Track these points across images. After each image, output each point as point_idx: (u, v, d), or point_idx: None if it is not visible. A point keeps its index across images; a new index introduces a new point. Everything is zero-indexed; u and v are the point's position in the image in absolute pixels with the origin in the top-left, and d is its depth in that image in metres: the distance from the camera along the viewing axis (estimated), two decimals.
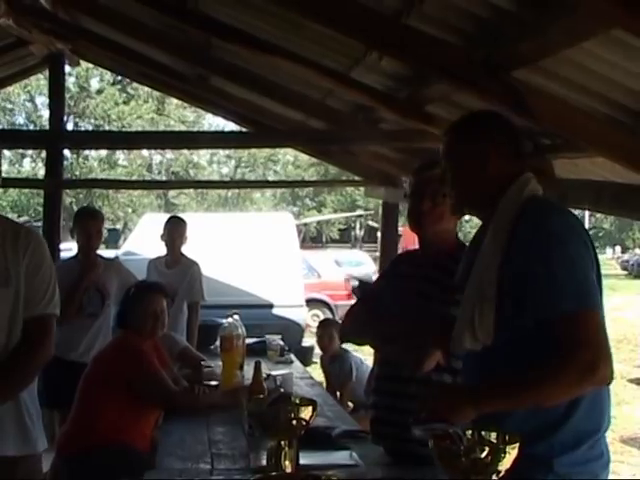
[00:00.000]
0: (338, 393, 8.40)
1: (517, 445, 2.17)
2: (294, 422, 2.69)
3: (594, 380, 2.66)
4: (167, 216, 8.78)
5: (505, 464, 2.14)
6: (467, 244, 3.52)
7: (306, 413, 2.70)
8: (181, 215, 9.24)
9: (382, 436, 3.90)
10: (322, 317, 18.60)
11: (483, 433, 2.27)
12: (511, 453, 2.16)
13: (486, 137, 2.98)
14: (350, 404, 8.46)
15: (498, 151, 2.94)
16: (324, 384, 8.55)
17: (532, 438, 2.64)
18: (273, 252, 14.22)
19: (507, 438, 2.22)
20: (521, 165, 2.99)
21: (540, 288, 2.68)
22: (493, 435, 2.25)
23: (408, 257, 4.18)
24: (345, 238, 46.44)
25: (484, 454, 2.14)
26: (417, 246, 3.98)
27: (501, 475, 2.15)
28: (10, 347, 3.44)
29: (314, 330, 17.10)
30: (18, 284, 3.45)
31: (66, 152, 24.85)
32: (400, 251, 12.12)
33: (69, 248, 9.15)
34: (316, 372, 9.21)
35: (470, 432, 2.27)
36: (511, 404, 2.75)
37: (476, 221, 3.40)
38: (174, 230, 8.02)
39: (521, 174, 2.95)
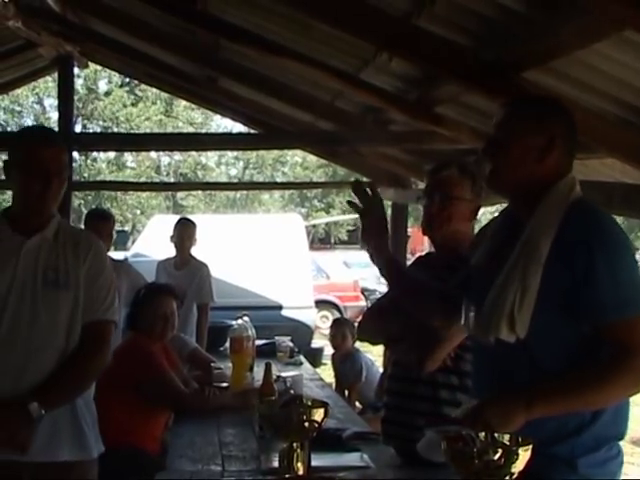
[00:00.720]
0: (346, 392, 8.40)
1: (530, 447, 2.16)
2: (306, 424, 2.68)
3: None
4: (176, 218, 8.79)
5: (518, 466, 2.13)
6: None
7: (318, 415, 2.70)
8: (190, 217, 9.25)
9: (391, 436, 3.90)
10: (331, 318, 18.59)
11: (496, 435, 2.26)
12: (524, 455, 2.15)
13: (556, 125, 2.83)
14: (358, 404, 8.45)
15: (561, 143, 2.81)
16: (333, 383, 8.55)
17: (553, 440, 2.65)
18: (282, 253, 14.20)
19: (520, 440, 2.21)
20: (571, 164, 2.89)
21: (602, 292, 2.64)
22: (506, 437, 2.24)
23: (425, 259, 4.16)
24: (354, 239, 46.28)
25: (497, 456, 2.13)
26: (426, 247, 4.00)
27: (514, 477, 2.14)
28: (69, 351, 3.45)
29: (323, 331, 17.16)
30: (77, 288, 3.46)
31: (75, 154, 24.86)
32: (409, 252, 12.12)
33: None
34: (325, 373, 9.20)
35: (483, 434, 2.26)
36: (564, 407, 2.70)
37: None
38: (184, 232, 8.03)
39: (568, 173, 2.85)
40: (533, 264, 2.74)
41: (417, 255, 4.63)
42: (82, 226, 6.88)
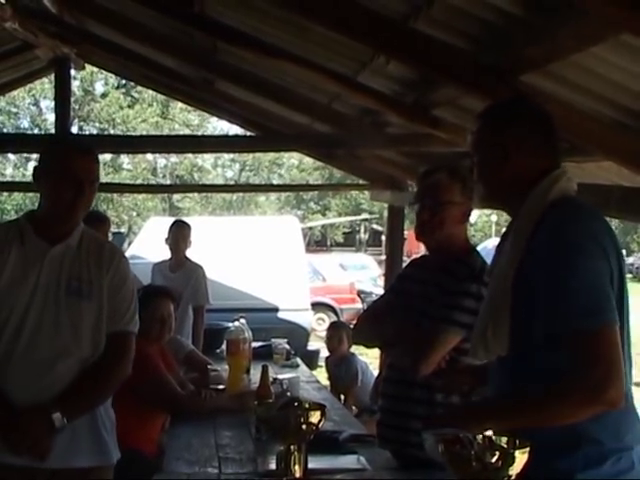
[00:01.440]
0: (342, 396, 8.39)
1: (527, 450, 2.16)
2: (303, 426, 2.69)
3: (602, 402, 2.49)
4: (172, 220, 8.79)
5: (515, 469, 2.14)
6: (477, 247, 3.51)
7: (315, 417, 2.70)
8: (186, 219, 9.24)
9: (387, 439, 3.91)
10: (327, 321, 18.61)
11: (493, 438, 2.26)
12: (521, 457, 2.15)
13: (510, 126, 2.79)
14: (354, 408, 8.45)
15: (524, 142, 2.76)
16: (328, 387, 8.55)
17: (553, 453, 2.57)
18: (278, 256, 14.21)
19: (517, 443, 2.22)
20: (554, 159, 2.80)
21: (551, 302, 2.54)
22: (503, 440, 2.24)
23: (421, 261, 4.17)
24: (350, 242, 46.44)
25: (494, 459, 2.14)
26: (422, 249, 4.03)
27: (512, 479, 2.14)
28: (91, 361, 3.48)
29: (319, 334, 17.16)
30: (101, 298, 3.48)
31: None
32: (405, 255, 12.11)
33: None
34: (322, 376, 9.19)
35: (480, 437, 2.27)
36: (513, 424, 2.55)
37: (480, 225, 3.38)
38: (178, 234, 8.03)
39: (554, 169, 2.77)
40: (504, 280, 2.72)
41: (412, 257, 4.65)
42: None
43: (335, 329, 9.04)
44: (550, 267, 2.56)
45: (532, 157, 2.78)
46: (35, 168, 3.54)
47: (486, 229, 42.76)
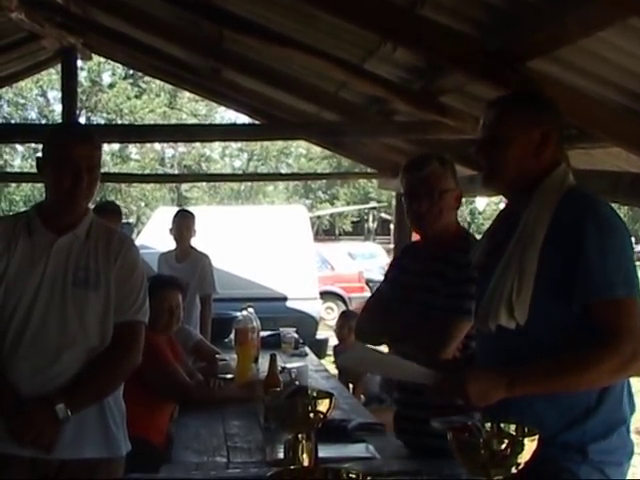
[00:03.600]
0: (351, 385, 8.39)
1: (536, 437, 2.15)
2: (312, 415, 2.68)
3: (633, 369, 2.69)
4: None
5: (524, 456, 2.13)
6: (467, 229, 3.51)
7: (323, 406, 2.69)
8: (194, 208, 9.24)
9: (404, 431, 3.90)
10: (336, 310, 18.63)
11: (502, 425, 2.26)
12: (530, 445, 2.14)
13: (548, 120, 2.93)
14: (362, 397, 8.44)
15: (554, 137, 2.90)
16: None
17: (562, 425, 2.68)
18: (287, 245, 14.21)
19: (526, 430, 2.21)
20: (562, 154, 2.98)
21: (592, 273, 2.67)
22: (512, 427, 2.24)
23: (412, 251, 4.16)
24: (358, 230, 46.41)
25: (503, 446, 2.13)
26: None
27: (520, 467, 2.13)
28: (99, 351, 3.47)
29: (328, 323, 17.16)
30: (108, 288, 3.48)
31: None
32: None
33: None
34: (330, 365, 9.19)
35: (489, 424, 2.26)
36: (546, 388, 2.74)
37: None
38: (182, 223, 8.04)
39: (561, 163, 2.93)
40: (529, 250, 2.79)
41: (404, 246, 4.62)
42: None
43: (345, 318, 9.02)
44: (590, 242, 2.69)
45: (557, 148, 2.93)
46: (38, 159, 3.54)
47: (494, 217, 42.55)
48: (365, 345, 3.13)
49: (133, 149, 40.76)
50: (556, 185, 2.85)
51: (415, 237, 4.61)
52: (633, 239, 2.95)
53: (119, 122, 36.24)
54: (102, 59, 27.01)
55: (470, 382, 2.75)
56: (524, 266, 2.78)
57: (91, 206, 3.90)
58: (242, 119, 17.08)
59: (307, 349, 7.15)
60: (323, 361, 8.96)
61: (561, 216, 2.77)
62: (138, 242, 14.99)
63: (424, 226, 3.80)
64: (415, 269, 3.89)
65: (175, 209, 9.03)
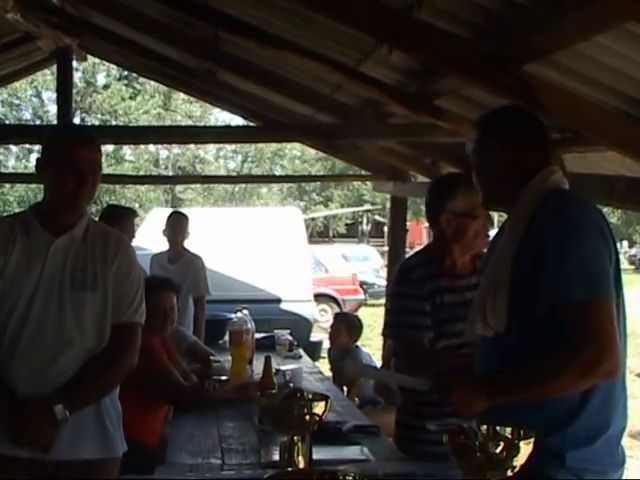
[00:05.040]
0: (345, 388, 8.38)
1: (532, 440, 2.16)
2: (307, 417, 2.68)
3: (598, 373, 2.66)
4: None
5: (520, 459, 2.14)
6: None
7: (319, 408, 2.70)
8: (188, 210, 9.24)
9: (406, 439, 3.91)
10: (330, 312, 18.64)
11: (498, 428, 2.26)
12: (526, 448, 2.15)
13: (523, 134, 2.98)
14: (357, 399, 8.43)
15: (510, 141, 2.95)
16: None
17: (544, 430, 2.64)
18: (281, 247, 14.20)
19: (522, 433, 2.21)
20: (546, 158, 2.97)
21: (553, 273, 2.68)
22: (508, 430, 2.25)
23: (429, 267, 3.96)
24: (352, 233, 46.43)
25: (499, 449, 2.13)
26: (424, 241, 4.01)
27: (516, 470, 2.14)
28: (96, 351, 3.47)
29: (322, 325, 17.16)
30: (106, 289, 3.48)
31: None
32: (407, 246, 12.06)
33: None
34: (325, 367, 9.18)
35: (485, 427, 2.27)
36: (524, 396, 2.76)
37: None
38: (176, 225, 8.04)
39: (545, 167, 2.94)
40: (504, 257, 2.85)
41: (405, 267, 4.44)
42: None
43: (339, 320, 9.02)
44: (552, 242, 2.70)
45: (520, 154, 2.94)
46: (38, 160, 3.53)
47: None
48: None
49: (127, 150, 40.70)
50: (535, 189, 2.87)
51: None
52: (626, 243, 2.97)
53: (113, 123, 36.26)
54: (97, 60, 26.97)
55: (454, 392, 2.82)
56: (497, 275, 2.83)
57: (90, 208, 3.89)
58: (237, 121, 17.08)
59: (301, 351, 7.15)
60: (317, 363, 8.96)
61: (535, 220, 2.79)
62: (133, 243, 15.05)
63: (468, 245, 3.87)
64: (453, 286, 3.88)
65: (169, 211, 9.03)
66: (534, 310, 2.73)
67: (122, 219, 6.78)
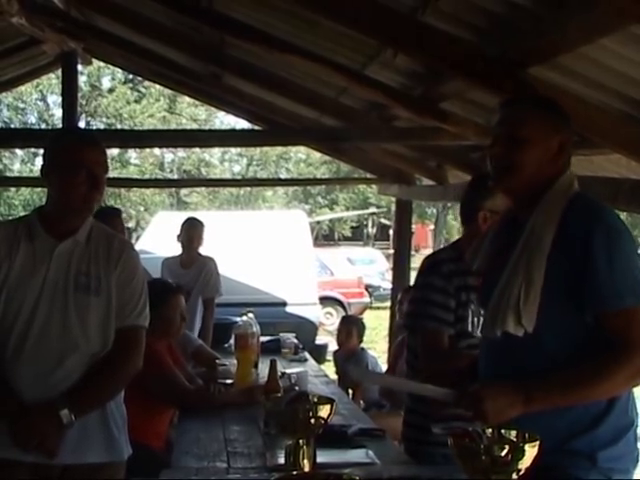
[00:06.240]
0: (350, 391, 8.38)
1: (537, 443, 2.15)
2: (312, 420, 2.68)
3: None
4: (179, 214, 8.81)
5: (525, 462, 2.13)
6: None
7: (324, 411, 2.69)
8: (193, 213, 9.23)
9: (414, 440, 3.90)
10: (335, 315, 18.63)
11: (503, 431, 2.25)
12: (531, 451, 2.14)
13: (567, 129, 2.91)
14: (362, 402, 8.43)
15: (569, 144, 2.90)
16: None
17: (571, 435, 2.68)
18: (286, 250, 14.19)
19: (527, 436, 2.21)
20: (570, 162, 2.95)
21: (601, 284, 2.67)
22: (513, 433, 2.24)
23: (459, 264, 3.88)
24: (357, 236, 46.43)
25: (504, 452, 2.13)
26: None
27: (521, 474, 2.13)
28: (101, 355, 3.47)
29: (327, 328, 17.15)
30: (109, 293, 3.47)
31: None
32: (413, 249, 12.05)
33: None
34: (330, 370, 9.18)
35: (490, 430, 2.26)
36: (562, 401, 2.74)
37: None
38: (193, 232, 8.02)
39: (567, 170, 2.91)
40: (536, 257, 2.78)
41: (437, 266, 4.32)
42: None
43: (345, 323, 9.02)
44: (595, 251, 2.68)
45: (568, 159, 2.91)
46: (43, 163, 3.52)
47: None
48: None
49: (132, 154, 40.67)
50: (562, 192, 2.84)
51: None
52: None
53: (118, 127, 36.21)
54: (102, 64, 26.97)
55: (487, 400, 2.71)
56: (532, 273, 2.76)
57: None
58: (242, 124, 17.09)
59: (307, 354, 7.14)
60: (323, 366, 8.95)
61: (568, 224, 2.77)
62: (137, 247, 15.05)
63: None
64: None
65: (175, 214, 9.05)
66: (571, 316, 2.72)
67: (110, 219, 6.77)
